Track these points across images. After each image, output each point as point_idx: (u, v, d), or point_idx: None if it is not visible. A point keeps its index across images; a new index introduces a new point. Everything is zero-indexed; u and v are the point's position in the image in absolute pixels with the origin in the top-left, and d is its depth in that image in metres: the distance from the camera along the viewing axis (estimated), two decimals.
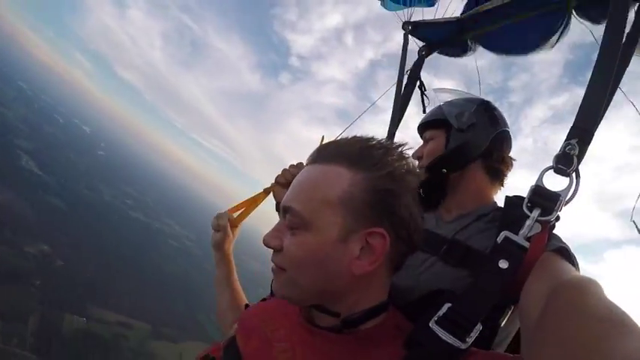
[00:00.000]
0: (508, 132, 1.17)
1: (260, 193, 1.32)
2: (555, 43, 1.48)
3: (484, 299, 0.62)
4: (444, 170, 1.09)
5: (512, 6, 1.42)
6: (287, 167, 1.29)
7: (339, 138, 0.76)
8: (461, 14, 1.68)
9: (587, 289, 0.48)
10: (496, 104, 1.24)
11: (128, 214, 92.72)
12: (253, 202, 1.31)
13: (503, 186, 1.13)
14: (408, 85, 1.78)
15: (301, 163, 1.34)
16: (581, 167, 0.73)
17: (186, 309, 62.60)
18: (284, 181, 1.25)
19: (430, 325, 0.60)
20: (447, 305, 0.62)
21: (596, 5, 1.25)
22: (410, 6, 1.95)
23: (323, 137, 1.21)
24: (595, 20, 1.25)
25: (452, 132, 1.14)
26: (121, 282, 57.45)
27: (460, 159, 1.10)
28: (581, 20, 1.32)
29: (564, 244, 0.72)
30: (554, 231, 0.76)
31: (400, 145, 0.68)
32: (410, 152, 0.68)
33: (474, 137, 1.11)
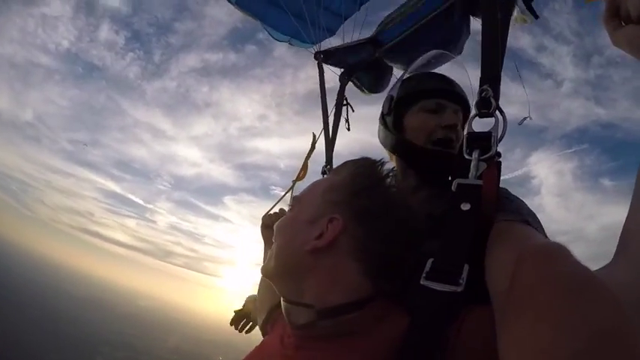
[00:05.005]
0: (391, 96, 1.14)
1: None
2: (461, 49, 1.62)
3: (460, 239, 0.63)
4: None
5: (415, 14, 1.59)
6: None
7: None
8: (374, 32, 1.77)
9: (554, 257, 0.49)
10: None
11: None
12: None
13: None
14: (337, 111, 1.87)
15: None
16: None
17: None
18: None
19: (421, 282, 0.61)
20: (430, 260, 0.63)
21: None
22: (312, 42, 2.01)
23: (314, 135, 1.59)
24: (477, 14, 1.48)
25: None
26: None
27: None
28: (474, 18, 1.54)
29: (520, 209, 0.77)
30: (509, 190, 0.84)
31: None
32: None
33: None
